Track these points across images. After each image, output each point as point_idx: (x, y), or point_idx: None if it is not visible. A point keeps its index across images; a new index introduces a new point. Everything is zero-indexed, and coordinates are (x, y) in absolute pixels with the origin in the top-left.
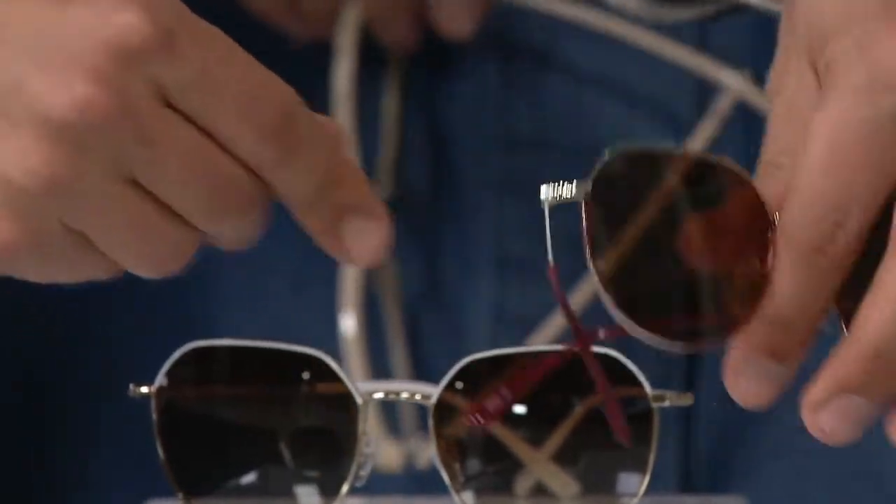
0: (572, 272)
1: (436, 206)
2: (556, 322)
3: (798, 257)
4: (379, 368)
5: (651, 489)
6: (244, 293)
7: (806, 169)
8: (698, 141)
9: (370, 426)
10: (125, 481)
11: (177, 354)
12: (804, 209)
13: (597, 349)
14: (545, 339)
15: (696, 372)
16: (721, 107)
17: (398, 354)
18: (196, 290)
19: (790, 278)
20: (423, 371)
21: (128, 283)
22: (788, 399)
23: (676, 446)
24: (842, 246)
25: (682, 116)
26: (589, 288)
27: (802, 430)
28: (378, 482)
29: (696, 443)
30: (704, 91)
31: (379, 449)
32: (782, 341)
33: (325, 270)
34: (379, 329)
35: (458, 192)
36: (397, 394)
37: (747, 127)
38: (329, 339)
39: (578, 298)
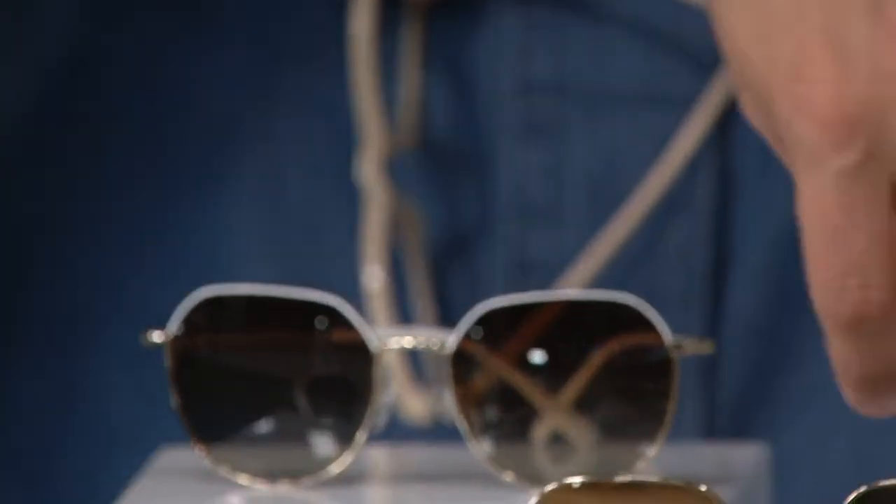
0: (595, 218)
1: (456, 151)
2: (582, 268)
3: (846, 336)
4: (403, 318)
5: (674, 437)
6: (262, 243)
7: (808, 256)
8: (721, 82)
9: (397, 375)
10: (142, 428)
11: (189, 302)
12: (823, 291)
13: (616, 296)
14: (571, 286)
15: (720, 319)
16: None
17: (422, 303)
18: (213, 240)
19: (854, 357)
20: (447, 320)
21: (142, 233)
22: (813, 349)
23: (700, 395)
24: (878, 302)
25: (705, 58)
26: (614, 236)
27: (828, 381)
28: (395, 431)
29: (719, 392)
30: None
31: (406, 399)
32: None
33: (343, 216)
34: (401, 278)
35: (479, 138)
36: (413, 341)
37: None
38: (350, 287)
39: (603, 247)
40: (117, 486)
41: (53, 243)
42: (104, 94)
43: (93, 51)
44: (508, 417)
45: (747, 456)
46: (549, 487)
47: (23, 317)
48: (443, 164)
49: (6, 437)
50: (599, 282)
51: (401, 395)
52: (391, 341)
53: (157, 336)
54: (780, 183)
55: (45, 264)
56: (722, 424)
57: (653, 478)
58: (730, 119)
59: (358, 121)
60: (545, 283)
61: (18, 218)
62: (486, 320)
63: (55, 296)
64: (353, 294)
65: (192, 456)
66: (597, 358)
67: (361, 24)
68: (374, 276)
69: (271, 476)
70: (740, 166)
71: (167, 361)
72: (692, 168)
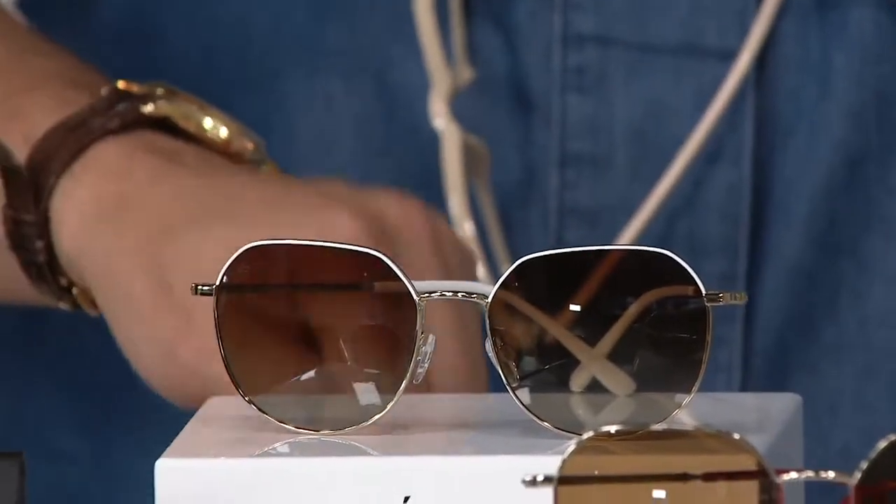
0: (639, 167)
1: (501, 102)
2: (629, 219)
3: None
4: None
5: (711, 386)
6: None
7: None
8: (761, 32)
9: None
10: None
11: (237, 253)
12: None
13: (651, 248)
14: (619, 236)
15: (761, 266)
16: None
17: (495, 240)
18: None
19: None
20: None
21: None
22: (853, 296)
23: (738, 343)
24: None
25: (746, 9)
26: (658, 186)
27: (867, 326)
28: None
29: (759, 337)
30: None
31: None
32: None
33: (390, 171)
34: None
35: (524, 89)
36: (454, 293)
37: (804, 18)
38: None
39: (648, 197)
40: (174, 433)
41: None
42: (157, 52)
43: (150, 2)
44: (547, 367)
45: (781, 405)
46: (587, 435)
47: None
48: (488, 114)
49: (72, 376)
50: (644, 230)
51: None
52: (432, 292)
53: (204, 288)
54: (821, 131)
55: None
56: (762, 368)
57: (687, 426)
58: (771, 68)
59: (426, 64)
60: (589, 230)
61: None
62: (525, 272)
63: None
64: None
65: (239, 404)
66: (633, 309)
67: None
68: (457, 206)
69: (316, 424)
70: (781, 115)
71: (214, 313)
72: (734, 117)
